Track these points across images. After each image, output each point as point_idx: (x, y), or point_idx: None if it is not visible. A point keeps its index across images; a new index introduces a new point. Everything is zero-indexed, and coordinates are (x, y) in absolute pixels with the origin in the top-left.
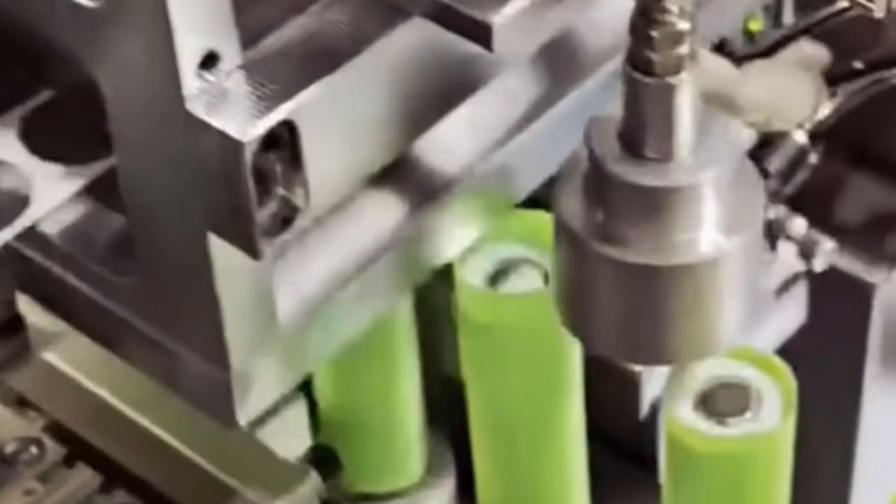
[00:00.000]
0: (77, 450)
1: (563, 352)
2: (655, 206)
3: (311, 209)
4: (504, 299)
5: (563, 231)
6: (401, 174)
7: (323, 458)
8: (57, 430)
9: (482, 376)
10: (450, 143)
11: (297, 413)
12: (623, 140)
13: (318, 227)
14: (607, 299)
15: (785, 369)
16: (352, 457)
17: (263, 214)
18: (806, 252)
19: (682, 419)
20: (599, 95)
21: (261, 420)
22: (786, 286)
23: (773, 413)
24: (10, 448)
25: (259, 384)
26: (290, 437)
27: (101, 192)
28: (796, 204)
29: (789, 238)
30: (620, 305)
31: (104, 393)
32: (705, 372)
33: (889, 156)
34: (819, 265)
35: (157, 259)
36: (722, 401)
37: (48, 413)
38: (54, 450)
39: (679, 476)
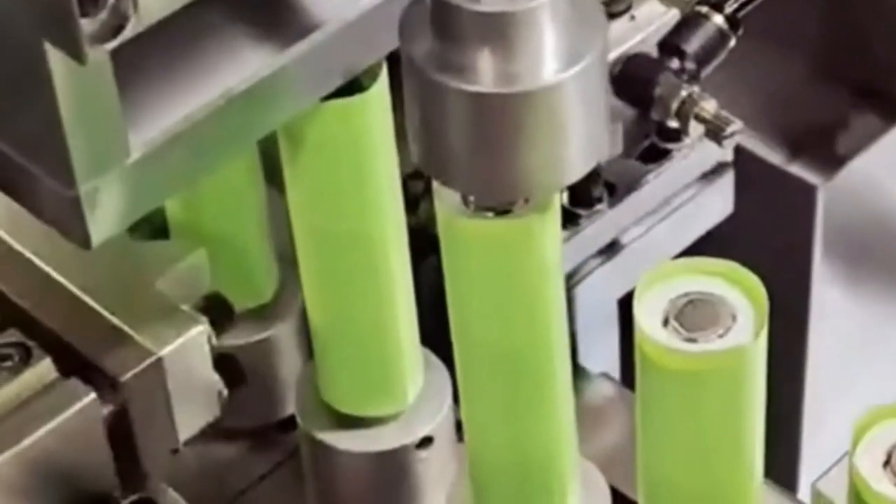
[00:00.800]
0: None
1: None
2: (492, 32)
3: (142, 17)
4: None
5: (408, 64)
6: (272, 13)
7: (215, 307)
8: None
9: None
10: None
11: (197, 261)
12: None
13: (181, 57)
14: (453, 132)
15: (758, 284)
16: (342, 377)
17: (93, 21)
18: (714, 132)
19: (651, 335)
20: None
21: (161, 268)
22: (710, 174)
23: (745, 329)
24: None
25: (111, 206)
26: (188, 286)
27: None
28: (735, 103)
29: (699, 118)
30: (466, 138)
31: (10, 240)
32: (676, 287)
33: (831, 53)
34: (727, 145)
35: (4, 75)
36: (693, 317)
37: None
38: None
39: (650, 393)
